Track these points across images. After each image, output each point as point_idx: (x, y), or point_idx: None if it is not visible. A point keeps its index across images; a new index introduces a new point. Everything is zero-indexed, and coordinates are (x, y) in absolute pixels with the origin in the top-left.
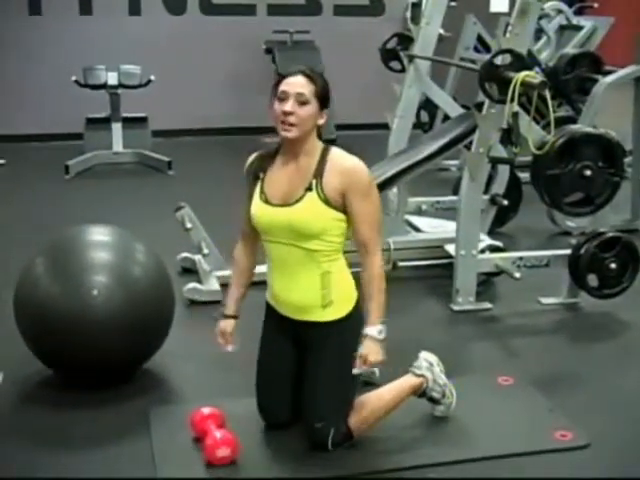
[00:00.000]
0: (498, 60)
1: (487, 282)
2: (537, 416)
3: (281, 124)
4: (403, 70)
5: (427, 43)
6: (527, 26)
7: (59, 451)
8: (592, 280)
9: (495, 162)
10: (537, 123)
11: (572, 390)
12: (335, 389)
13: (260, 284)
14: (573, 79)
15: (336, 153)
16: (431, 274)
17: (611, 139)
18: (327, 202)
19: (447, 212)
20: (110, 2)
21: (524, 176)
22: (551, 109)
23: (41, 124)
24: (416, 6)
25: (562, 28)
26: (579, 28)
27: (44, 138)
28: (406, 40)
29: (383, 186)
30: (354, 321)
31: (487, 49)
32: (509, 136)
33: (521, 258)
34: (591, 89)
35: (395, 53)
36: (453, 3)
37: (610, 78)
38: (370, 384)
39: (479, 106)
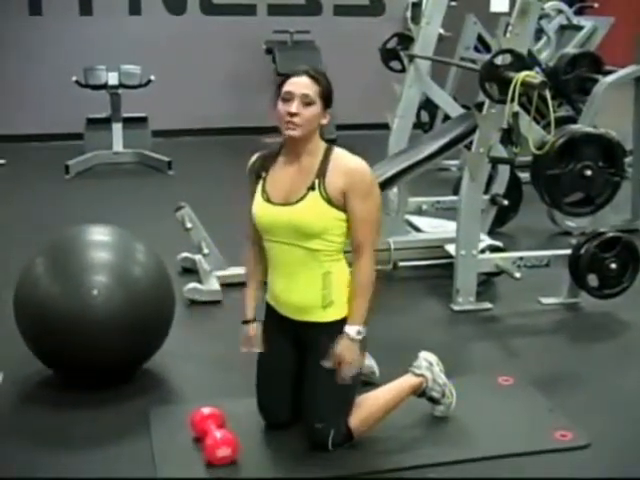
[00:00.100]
0: (498, 60)
1: (487, 282)
2: (537, 416)
3: (285, 124)
4: (403, 70)
5: (427, 43)
6: (527, 26)
7: (59, 451)
8: (592, 280)
9: (495, 162)
10: (537, 123)
11: (572, 390)
12: (335, 390)
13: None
14: (573, 79)
15: (339, 153)
16: (431, 274)
17: (611, 139)
18: (330, 202)
19: (447, 212)
20: (110, 2)
21: (524, 176)
22: (551, 109)
23: (41, 124)
24: (416, 6)
25: (562, 28)
26: (579, 28)
27: (44, 138)
28: (406, 40)
29: (383, 186)
30: None
31: (487, 49)
32: (509, 136)
33: (521, 258)
34: (591, 89)
35: (395, 53)
36: (453, 3)
37: (610, 78)
38: (370, 384)
39: (479, 106)
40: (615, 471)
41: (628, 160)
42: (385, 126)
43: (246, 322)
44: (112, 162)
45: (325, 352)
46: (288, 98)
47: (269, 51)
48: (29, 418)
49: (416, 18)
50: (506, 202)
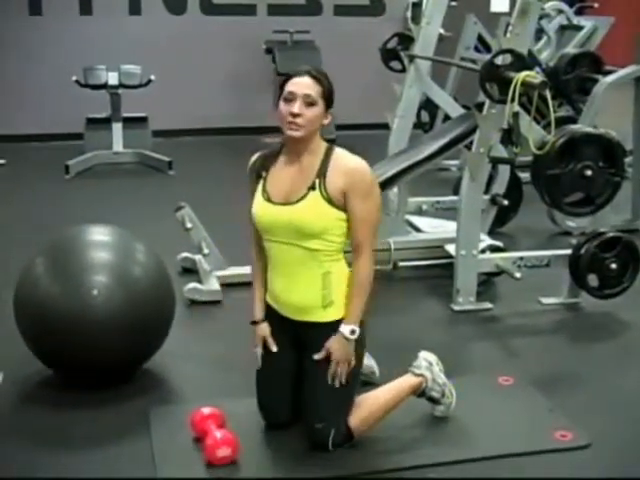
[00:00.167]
0: (499, 60)
1: (487, 282)
2: (537, 416)
3: (287, 124)
4: (403, 70)
5: (427, 43)
6: (528, 26)
7: (59, 451)
8: (592, 280)
9: (495, 162)
10: (537, 123)
11: (572, 390)
12: (335, 389)
13: None
14: (573, 79)
15: (340, 153)
16: (431, 274)
17: (611, 139)
18: (330, 201)
19: (447, 212)
20: (110, 2)
21: (524, 176)
22: (551, 109)
23: (41, 124)
24: (416, 6)
25: (562, 28)
26: (579, 28)
27: (44, 138)
28: (406, 40)
29: (383, 186)
30: None
31: (487, 49)
32: (509, 136)
33: (521, 258)
34: (591, 89)
35: (395, 53)
36: (453, 3)
37: (610, 78)
38: (370, 384)
39: (480, 106)
40: (615, 471)
41: (628, 160)
42: (385, 126)
43: (255, 323)
44: (112, 162)
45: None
46: (290, 98)
47: (269, 51)
48: (29, 418)
49: (416, 18)
50: (506, 202)
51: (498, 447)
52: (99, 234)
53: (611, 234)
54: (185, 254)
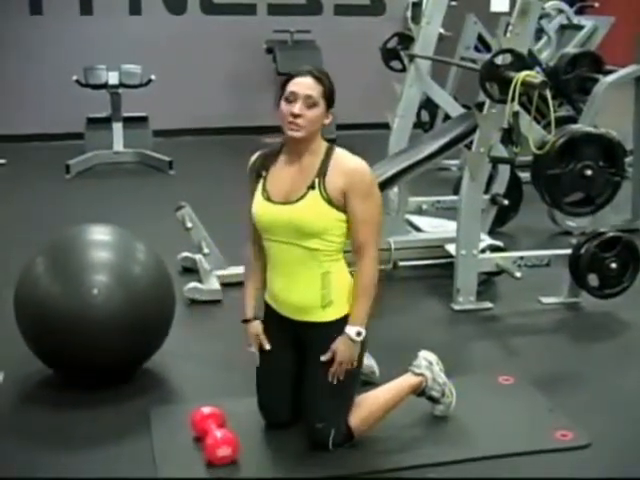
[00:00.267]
0: (499, 60)
1: (488, 282)
2: (537, 416)
3: (288, 124)
4: (404, 70)
5: (428, 42)
6: (528, 26)
7: (59, 451)
8: (593, 280)
9: (496, 162)
10: (538, 123)
11: (573, 390)
12: (335, 389)
13: None
14: (574, 79)
15: (340, 153)
16: (432, 274)
17: (612, 139)
18: (329, 202)
19: (448, 212)
20: (110, 2)
21: (525, 176)
22: (552, 109)
23: (42, 124)
24: (417, 5)
25: (563, 28)
26: (580, 28)
27: (45, 138)
28: (407, 39)
29: (384, 186)
30: None
31: (488, 49)
32: (510, 136)
33: (522, 258)
34: (592, 89)
35: (396, 52)
36: (454, 2)
37: (611, 78)
38: (370, 384)
39: (480, 106)
40: (615, 471)
41: (628, 160)
42: (385, 126)
43: (246, 321)
44: (112, 162)
45: (325, 352)
46: (292, 99)
47: (269, 51)
48: (29, 418)
49: (416, 18)
50: (506, 202)
51: (498, 447)
52: (99, 234)
53: (611, 234)
54: (185, 254)
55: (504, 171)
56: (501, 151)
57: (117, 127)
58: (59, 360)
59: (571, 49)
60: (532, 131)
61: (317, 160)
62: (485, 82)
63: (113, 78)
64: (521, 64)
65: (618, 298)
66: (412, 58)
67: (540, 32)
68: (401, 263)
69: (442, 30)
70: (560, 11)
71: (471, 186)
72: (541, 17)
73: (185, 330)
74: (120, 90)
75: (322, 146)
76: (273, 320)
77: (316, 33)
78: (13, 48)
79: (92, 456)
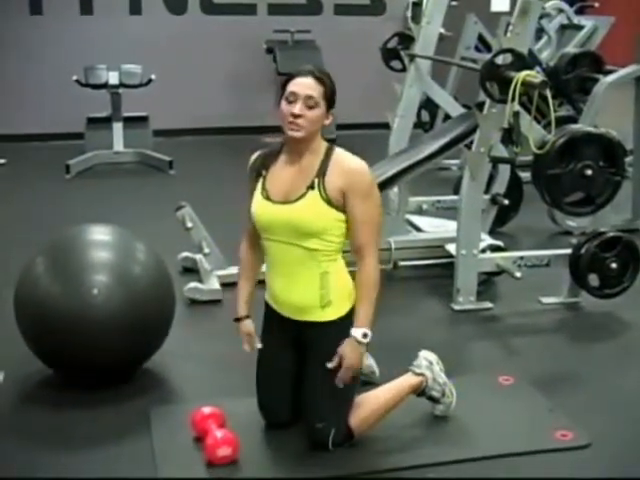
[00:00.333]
0: (499, 59)
1: (488, 281)
2: (537, 416)
3: (288, 124)
4: (404, 69)
5: (428, 42)
6: (528, 25)
7: (59, 451)
8: (593, 280)
9: (496, 162)
10: (538, 123)
11: (573, 390)
12: (335, 389)
13: (260, 283)
14: (574, 78)
15: (340, 153)
16: (432, 274)
17: (612, 139)
18: (329, 202)
19: (448, 211)
20: (111, 2)
21: (525, 176)
22: (552, 109)
23: (42, 124)
24: (417, 5)
25: (563, 27)
26: (580, 27)
27: (45, 138)
28: (407, 39)
29: (384, 185)
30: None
31: (488, 48)
32: (510, 135)
33: (522, 257)
34: (592, 89)
35: (396, 52)
36: (454, 2)
37: (611, 78)
38: (370, 384)
39: (480, 106)
40: (615, 471)
41: (628, 160)
42: (385, 126)
43: (238, 319)
44: (113, 162)
45: (324, 351)
46: (292, 99)
47: (270, 51)
48: (29, 418)
49: (417, 17)
50: (507, 202)
51: (498, 447)
52: (99, 234)
53: (611, 234)
54: (185, 253)
55: (504, 171)
56: (501, 151)
57: (117, 127)
58: (59, 360)
59: (571, 49)
60: (532, 131)
61: (317, 160)
62: (485, 82)
63: (113, 78)
64: (521, 64)
65: (618, 298)
66: (412, 58)
67: (540, 32)
68: (401, 263)
69: (442, 30)
70: (560, 11)
71: (471, 186)
72: (541, 17)
73: (185, 330)
74: (120, 90)
75: (322, 146)
76: (274, 320)
77: (316, 33)
78: (13, 48)
79: (92, 456)
